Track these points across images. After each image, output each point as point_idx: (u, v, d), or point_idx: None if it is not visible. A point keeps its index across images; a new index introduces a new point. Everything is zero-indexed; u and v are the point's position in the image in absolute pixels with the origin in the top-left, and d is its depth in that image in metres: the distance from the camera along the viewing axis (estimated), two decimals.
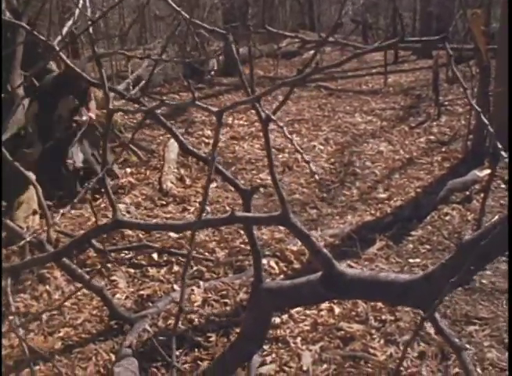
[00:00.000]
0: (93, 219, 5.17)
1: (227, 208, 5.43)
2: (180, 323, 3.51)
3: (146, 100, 2.64)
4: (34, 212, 4.90)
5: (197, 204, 5.61)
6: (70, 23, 3.12)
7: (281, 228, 4.79)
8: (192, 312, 3.64)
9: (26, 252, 3.91)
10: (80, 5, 2.55)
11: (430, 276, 2.08)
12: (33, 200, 4.84)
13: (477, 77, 6.23)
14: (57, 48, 2.49)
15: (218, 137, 1.86)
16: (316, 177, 2.67)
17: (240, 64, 2.33)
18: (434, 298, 1.85)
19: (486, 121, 2.01)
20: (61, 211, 4.89)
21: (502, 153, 1.69)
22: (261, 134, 7.87)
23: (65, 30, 3.33)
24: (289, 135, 1.75)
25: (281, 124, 1.83)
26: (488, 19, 8.60)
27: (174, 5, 2.22)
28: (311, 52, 16.05)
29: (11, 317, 3.09)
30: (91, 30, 2.37)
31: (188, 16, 2.09)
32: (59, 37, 2.97)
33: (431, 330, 3.28)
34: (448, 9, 14.67)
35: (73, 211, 5.31)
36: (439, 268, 2.05)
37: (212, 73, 12.36)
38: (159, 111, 2.94)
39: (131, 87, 7.84)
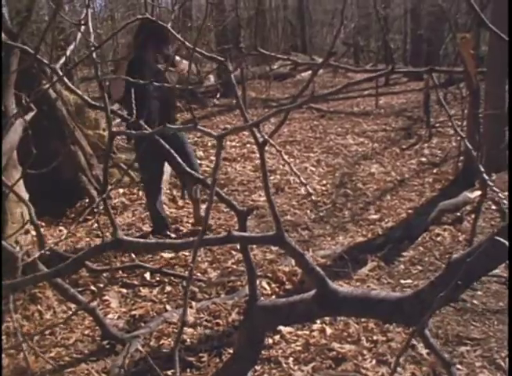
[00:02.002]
0: (86, 239, 5.22)
1: (219, 229, 5.45)
2: (172, 342, 3.52)
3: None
4: (26, 232, 4.89)
5: (189, 225, 5.62)
6: (71, 47, 3.15)
7: (273, 248, 4.81)
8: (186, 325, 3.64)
9: (18, 272, 3.90)
10: (82, 30, 2.59)
11: (420, 293, 2.12)
12: (25, 220, 4.83)
13: (467, 99, 6.31)
14: (60, 73, 2.52)
15: (219, 160, 1.91)
16: (313, 197, 2.67)
17: (235, 88, 2.37)
18: (424, 315, 1.88)
19: (470, 145, 2.06)
20: (65, 231, 4.92)
21: (485, 176, 1.74)
22: (253, 155, 7.93)
23: (67, 53, 3.36)
24: (286, 159, 1.79)
25: (278, 147, 1.86)
26: (477, 43, 8.73)
27: (177, 35, 2.27)
28: (303, 74, 16.21)
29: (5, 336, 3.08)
30: (94, 55, 2.41)
31: (191, 45, 2.13)
32: (62, 61, 3.00)
33: (423, 351, 3.29)
34: (438, 32, 14.88)
35: (65, 231, 5.32)
36: (428, 286, 2.10)
37: (215, 100, 12.45)
38: None
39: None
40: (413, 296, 2.14)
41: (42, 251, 2.82)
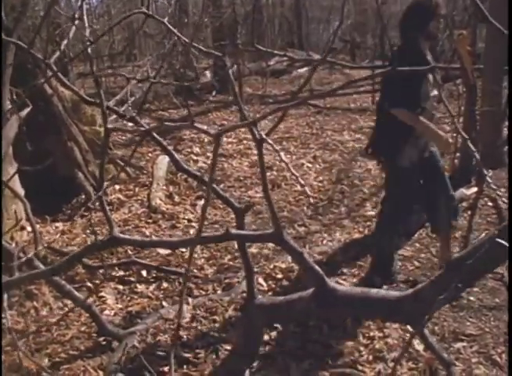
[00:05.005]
0: (82, 236, 5.21)
1: (216, 226, 5.44)
2: (168, 339, 3.52)
3: (138, 116, 2.66)
4: (22, 228, 4.88)
5: (186, 221, 5.61)
6: (65, 41, 3.14)
7: (269, 245, 4.81)
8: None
9: (14, 269, 3.89)
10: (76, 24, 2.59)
11: (419, 292, 2.11)
12: (20, 216, 4.82)
13: (463, 95, 6.30)
14: (54, 68, 2.51)
15: (216, 159, 1.91)
16: (311, 200, 2.60)
17: (233, 86, 2.37)
18: (423, 314, 1.88)
19: (472, 146, 2.05)
20: (61, 227, 4.89)
21: (485, 171, 1.73)
22: (249, 151, 7.92)
23: (61, 48, 3.35)
24: (284, 159, 1.78)
25: (277, 147, 1.86)
26: (474, 40, 8.73)
27: (174, 29, 2.27)
28: (300, 70, 16.19)
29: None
30: (89, 50, 2.40)
31: (187, 40, 2.13)
32: (56, 55, 2.99)
33: (420, 347, 3.30)
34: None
35: (61, 228, 5.31)
36: (428, 285, 2.09)
37: (211, 97, 12.51)
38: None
39: (127, 104, 7.84)
40: (413, 295, 2.13)
41: (39, 248, 2.81)
